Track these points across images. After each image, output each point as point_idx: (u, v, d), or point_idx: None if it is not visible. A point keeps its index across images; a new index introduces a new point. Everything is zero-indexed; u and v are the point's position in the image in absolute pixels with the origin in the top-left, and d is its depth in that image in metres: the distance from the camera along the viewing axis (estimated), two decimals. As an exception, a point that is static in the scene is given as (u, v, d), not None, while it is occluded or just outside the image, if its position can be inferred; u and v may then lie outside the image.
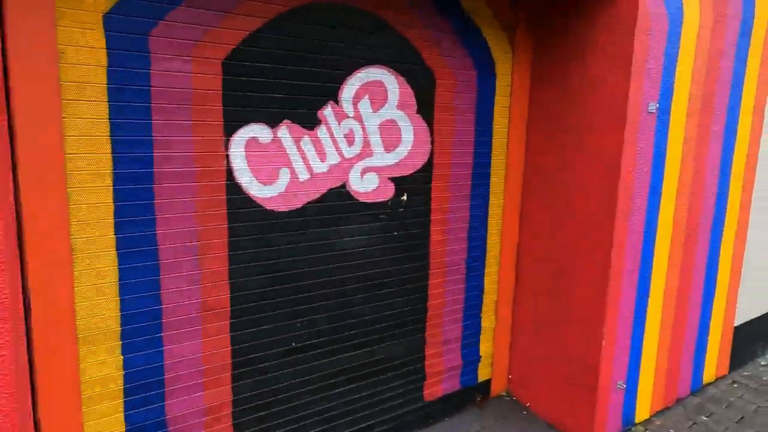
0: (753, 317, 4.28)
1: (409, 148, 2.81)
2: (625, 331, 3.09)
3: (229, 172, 2.27)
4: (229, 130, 2.25)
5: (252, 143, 2.31)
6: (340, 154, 2.58)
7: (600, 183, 2.91)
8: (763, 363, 4.34)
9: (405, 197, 2.85)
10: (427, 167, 2.90)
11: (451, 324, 3.19)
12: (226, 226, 2.30)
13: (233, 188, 2.29)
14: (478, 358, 3.38)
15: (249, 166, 2.32)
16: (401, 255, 2.90)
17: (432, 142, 2.89)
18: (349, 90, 2.54)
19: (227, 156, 2.25)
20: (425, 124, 2.85)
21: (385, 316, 2.90)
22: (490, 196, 3.23)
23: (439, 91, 2.86)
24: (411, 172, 2.85)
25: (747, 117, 3.55)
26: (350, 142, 2.60)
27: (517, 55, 3.14)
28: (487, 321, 3.39)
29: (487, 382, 3.47)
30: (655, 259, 3.15)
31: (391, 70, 2.67)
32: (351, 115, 2.57)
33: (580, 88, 2.98)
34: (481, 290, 3.31)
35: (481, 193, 3.17)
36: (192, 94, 2.12)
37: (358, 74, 2.56)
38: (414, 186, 2.87)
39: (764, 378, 4.07)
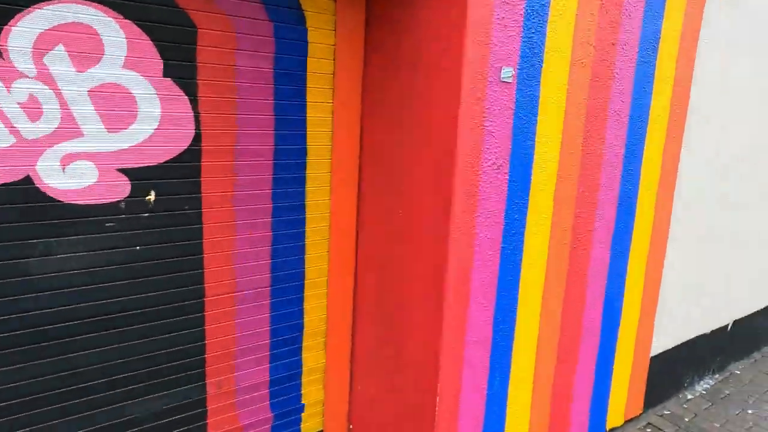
0: (679, 343, 3.52)
1: (154, 127, 1.95)
2: (477, 380, 2.29)
3: None
4: None
5: None
6: (15, 132, 1.72)
7: (432, 181, 2.09)
8: (690, 397, 3.60)
9: (153, 197, 2.00)
10: (192, 155, 2.05)
11: (250, 367, 2.37)
12: None
13: None
14: (300, 407, 2.58)
15: None
16: (155, 278, 2.06)
17: (197, 119, 2.04)
18: (22, 36, 1.68)
19: None
20: (183, 93, 1.99)
21: (133, 362, 2.07)
22: (308, 194, 2.39)
23: (203, 46, 2.00)
24: (162, 161, 1.99)
25: (664, 93, 2.74)
26: (34, 115, 1.73)
27: (343, 2, 2.28)
28: (314, 359, 2.58)
29: (319, 436, 2.68)
30: (523, 282, 2.35)
31: (108, 9, 1.80)
32: (31, 75, 1.71)
33: (415, 46, 2.14)
34: (300, 320, 2.49)
35: (292, 191, 2.34)
36: None
37: (42, 12, 1.70)
38: (169, 181, 2.03)
39: (686, 418, 3.32)
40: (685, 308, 3.46)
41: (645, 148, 2.73)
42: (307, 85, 2.29)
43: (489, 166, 2.08)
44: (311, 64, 2.28)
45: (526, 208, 2.26)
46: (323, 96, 2.35)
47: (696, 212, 3.31)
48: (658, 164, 2.85)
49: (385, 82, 2.29)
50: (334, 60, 2.34)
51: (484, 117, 2.02)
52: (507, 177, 2.16)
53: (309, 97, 2.31)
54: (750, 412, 3.41)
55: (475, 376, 2.27)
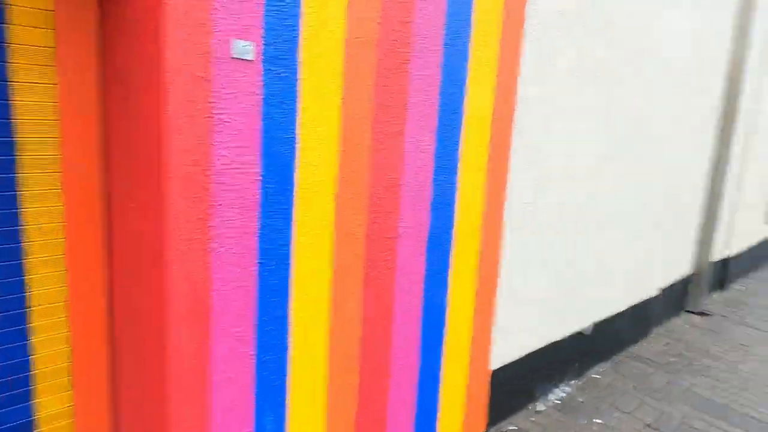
0: (528, 351, 3.31)
1: None
2: (238, 428, 1.89)
3: None
4: None
5: None
6: None
7: (154, 183, 1.66)
8: (541, 408, 3.40)
9: None
10: None
11: (-54, 422, 1.86)
12: None
13: None
14: (37, 464, 2.08)
15: None
16: None
17: None
18: None
19: None
20: None
21: None
22: (25, 200, 1.88)
23: None
24: None
25: (485, 83, 2.45)
26: None
27: (57, -46, 1.79)
28: (55, 403, 2.07)
29: (73, 495, 2.18)
30: (297, 301, 1.97)
31: None
32: None
33: (126, 11, 1.69)
34: (26, 357, 1.98)
35: (-3, 194, 1.83)
36: None
37: None
38: None
39: (531, 434, 3.11)
40: (533, 314, 3.25)
41: (464, 143, 2.44)
42: (9, 61, 1.79)
43: (225, 164, 1.67)
44: (15, 33, 1.78)
45: (291, 215, 1.87)
46: (39, 75, 1.85)
47: (539, 211, 3.09)
48: (484, 159, 2.57)
49: (112, 43, 1.83)
50: (54, 29, 1.84)
51: (211, 102, 1.60)
52: (258, 179, 1.76)
53: (14, 77, 1.80)
54: (597, 421, 3.25)
55: (234, 423, 1.87)
